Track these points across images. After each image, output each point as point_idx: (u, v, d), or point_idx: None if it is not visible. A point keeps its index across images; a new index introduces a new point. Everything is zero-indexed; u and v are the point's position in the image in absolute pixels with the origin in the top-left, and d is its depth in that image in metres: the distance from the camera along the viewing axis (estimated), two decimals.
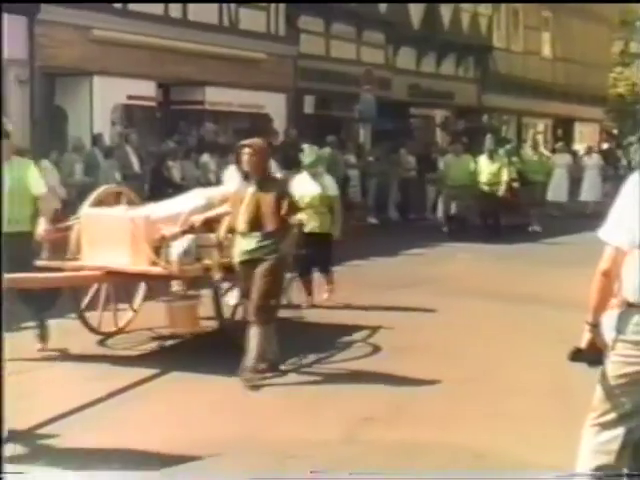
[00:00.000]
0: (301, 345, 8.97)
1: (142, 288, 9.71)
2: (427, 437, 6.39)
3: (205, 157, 18.95)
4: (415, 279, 13.44)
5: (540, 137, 36.21)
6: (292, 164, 20.15)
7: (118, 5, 18.93)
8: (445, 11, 29.60)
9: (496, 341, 9.54)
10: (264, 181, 8.02)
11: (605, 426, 4.37)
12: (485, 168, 19.22)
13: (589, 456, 4.41)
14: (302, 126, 23.27)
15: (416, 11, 28.22)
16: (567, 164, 25.24)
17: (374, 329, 9.82)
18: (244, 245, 7.89)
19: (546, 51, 36.21)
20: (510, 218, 20.36)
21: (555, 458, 5.47)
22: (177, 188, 18.37)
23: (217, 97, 21.61)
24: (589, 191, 25.49)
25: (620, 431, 4.35)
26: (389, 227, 21.14)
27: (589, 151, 27.36)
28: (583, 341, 4.38)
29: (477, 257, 16.23)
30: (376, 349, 9.07)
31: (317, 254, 11.03)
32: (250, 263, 7.83)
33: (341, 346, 9.22)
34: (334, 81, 24.64)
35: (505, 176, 19.16)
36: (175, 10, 20.44)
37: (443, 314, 10.83)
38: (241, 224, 7.92)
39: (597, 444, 4.38)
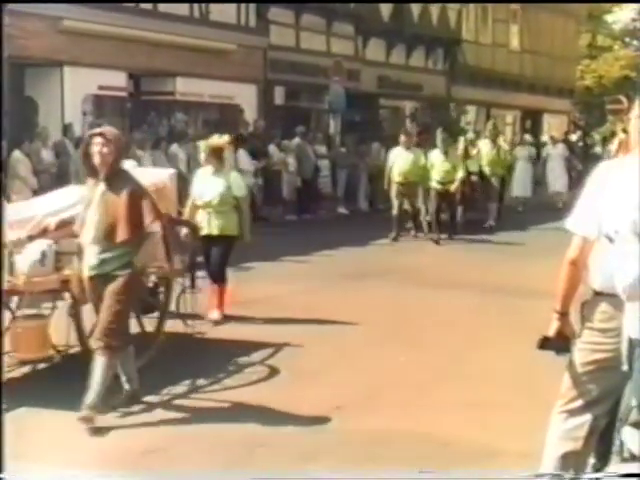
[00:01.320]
0: (184, 369, 7.72)
1: None
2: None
3: (174, 147, 18.98)
4: (382, 269, 13.62)
5: (509, 128, 36.46)
6: (259, 155, 20.38)
7: None
8: (414, 4, 29.68)
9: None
10: (114, 178, 6.57)
11: (572, 413, 4.43)
12: (438, 165, 17.34)
13: (556, 443, 4.48)
14: (272, 117, 23.35)
15: (385, 4, 28.29)
16: (530, 156, 24.38)
17: (278, 347, 8.56)
18: (91, 257, 6.55)
19: (514, 44, 36.37)
20: (468, 213, 19.11)
21: (522, 445, 5.54)
22: None
23: (187, 88, 21.61)
24: (554, 182, 24.59)
25: (587, 418, 4.41)
26: (359, 217, 21.25)
27: (553, 141, 26.12)
28: (551, 329, 4.44)
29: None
30: (273, 372, 7.84)
31: (214, 258, 9.95)
32: (99, 279, 6.52)
33: (232, 370, 7.89)
34: (304, 72, 24.70)
35: (460, 173, 17.52)
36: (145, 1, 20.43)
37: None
38: (87, 231, 6.59)
39: (564, 431, 4.45)
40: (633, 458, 3.68)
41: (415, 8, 29.71)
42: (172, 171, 9.34)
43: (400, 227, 17.09)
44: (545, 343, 4.48)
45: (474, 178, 19.52)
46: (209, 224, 9.88)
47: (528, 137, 27.34)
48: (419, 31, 29.47)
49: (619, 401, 4.15)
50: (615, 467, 3.72)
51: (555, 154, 24.91)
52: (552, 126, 37.28)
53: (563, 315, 4.42)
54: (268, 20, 24.14)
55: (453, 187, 17.31)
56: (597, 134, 35.77)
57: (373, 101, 28.10)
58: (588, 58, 43.06)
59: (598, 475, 4.31)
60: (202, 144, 10.26)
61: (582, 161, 26.33)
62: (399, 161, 17.14)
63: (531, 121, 37.61)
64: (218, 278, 9.93)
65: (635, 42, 45.25)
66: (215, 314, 9.75)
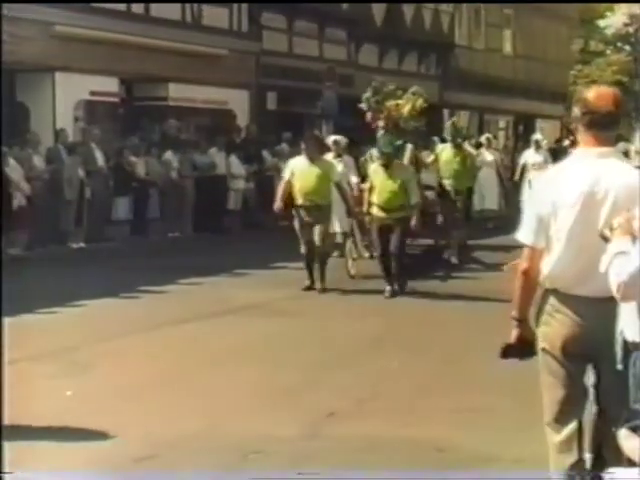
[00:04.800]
0: None
1: None
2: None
3: (168, 154, 19.00)
4: None
5: (502, 133, 36.46)
6: (252, 160, 20.36)
7: None
8: (407, 9, 29.66)
9: None
10: None
11: (560, 422, 4.44)
12: (380, 184, 12.17)
13: (557, 457, 4.47)
14: (265, 122, 23.31)
15: (378, 8, 28.26)
16: (495, 162, 21.36)
17: None
18: None
19: (507, 48, 36.42)
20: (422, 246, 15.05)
21: (516, 451, 5.53)
22: (141, 183, 18.49)
23: (180, 93, 21.56)
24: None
25: (574, 424, 4.43)
26: None
27: (537, 146, 21.96)
28: (512, 336, 4.52)
29: None
30: None
31: None
32: None
33: None
34: (296, 78, 24.66)
35: (415, 198, 12.29)
36: (137, 6, 20.36)
37: None
38: None
39: (559, 444, 4.44)
40: (630, 462, 3.63)
41: (408, 13, 29.70)
42: None
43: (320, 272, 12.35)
44: (508, 351, 4.57)
45: (430, 194, 15.14)
46: None
47: (490, 139, 23.26)
48: (412, 36, 29.45)
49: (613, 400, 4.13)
50: (614, 471, 3.67)
51: (534, 162, 21.06)
52: (545, 131, 37.31)
53: (521, 321, 4.52)
54: (261, 25, 24.11)
55: (413, 219, 12.20)
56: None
57: None
58: (581, 63, 43.08)
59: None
60: None
61: None
62: (299, 176, 12.38)
63: (524, 126, 37.60)
64: None
65: (627, 47, 45.28)
66: None
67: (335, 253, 13.75)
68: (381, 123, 13.53)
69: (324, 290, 12.11)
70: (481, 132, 34.08)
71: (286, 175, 12.65)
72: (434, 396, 7.45)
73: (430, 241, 15.37)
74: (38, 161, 16.32)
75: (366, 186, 12.59)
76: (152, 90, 21.17)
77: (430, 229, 14.50)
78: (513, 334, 4.52)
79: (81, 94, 19.07)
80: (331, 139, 14.99)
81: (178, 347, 9.23)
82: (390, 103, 13.97)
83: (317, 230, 12.14)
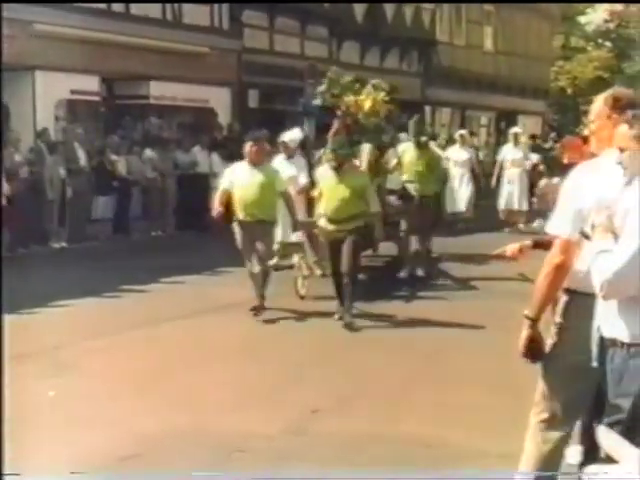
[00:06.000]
0: None
1: None
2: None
3: (148, 152, 18.95)
4: None
5: (484, 130, 36.51)
6: (234, 158, 20.26)
7: None
8: (388, 5, 29.66)
9: None
10: None
11: (551, 423, 4.44)
12: (329, 192, 10.41)
13: (538, 445, 4.48)
14: (246, 120, 23.24)
15: (359, 5, 28.25)
16: (470, 160, 20.28)
17: None
18: None
19: (488, 45, 36.45)
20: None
21: (504, 447, 5.52)
22: (123, 181, 18.43)
23: (161, 91, 21.49)
24: (510, 198, 19.57)
25: (566, 429, 4.47)
26: None
27: (516, 141, 20.32)
28: (522, 337, 4.36)
29: None
30: None
31: None
32: None
33: None
34: (278, 75, 24.60)
35: (374, 206, 10.51)
36: (118, 4, 20.28)
37: None
38: None
39: (545, 438, 4.45)
40: (610, 459, 3.63)
41: (389, 10, 29.70)
42: None
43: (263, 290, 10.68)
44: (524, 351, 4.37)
45: (393, 199, 13.44)
46: None
47: (464, 135, 21.73)
48: (393, 33, 29.45)
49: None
50: (595, 468, 3.67)
51: (515, 159, 19.81)
52: (527, 127, 37.39)
53: (535, 322, 4.35)
54: (242, 23, 24.06)
55: (376, 231, 10.74)
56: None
57: None
58: (562, 59, 43.24)
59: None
60: None
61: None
62: (239, 186, 10.67)
63: (506, 122, 37.66)
64: None
65: (608, 43, 45.47)
66: None
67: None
68: (337, 120, 12.46)
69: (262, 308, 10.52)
70: (463, 128, 34.21)
71: (224, 184, 10.83)
72: None
73: (392, 253, 13.91)
74: (19, 160, 16.23)
75: (316, 193, 10.81)
76: (133, 88, 21.10)
77: (393, 239, 13.18)
78: (525, 335, 4.35)
79: (62, 93, 18.98)
80: (280, 139, 13.65)
81: (161, 346, 9.21)
82: (349, 98, 13.12)
83: (259, 248, 10.51)
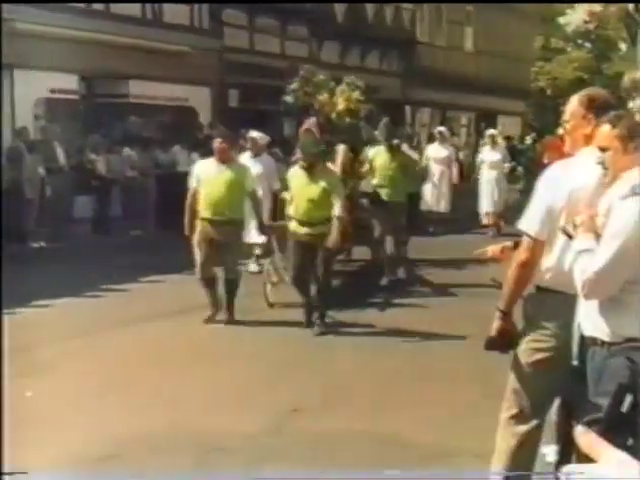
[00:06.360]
0: None
1: None
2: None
3: (126, 150, 18.89)
4: None
5: (464, 130, 36.59)
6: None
7: None
8: (369, 5, 29.71)
9: None
10: None
11: (520, 419, 4.48)
12: (299, 193, 9.97)
13: (509, 442, 4.50)
14: (227, 119, 23.19)
15: (340, 5, 28.27)
16: (449, 158, 19.56)
17: None
18: None
19: (469, 45, 36.56)
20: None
21: (476, 445, 5.53)
22: (103, 181, 18.36)
23: (141, 90, 21.42)
24: (487, 199, 19.24)
25: (535, 422, 4.48)
26: None
27: (493, 142, 19.91)
28: (494, 329, 4.46)
29: None
30: None
31: None
32: None
33: None
34: (258, 75, 24.58)
35: (337, 209, 9.70)
36: (97, 3, 20.21)
37: None
38: None
39: (515, 434, 4.47)
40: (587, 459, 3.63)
41: (370, 10, 29.73)
42: None
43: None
44: (490, 343, 4.48)
45: (365, 203, 13.02)
46: None
47: (444, 132, 20.53)
48: (374, 33, 29.48)
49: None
50: (571, 468, 3.67)
51: (490, 161, 19.56)
52: (507, 127, 37.50)
53: (506, 314, 4.43)
54: (222, 22, 24.03)
55: (329, 237, 9.66)
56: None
57: None
58: (542, 60, 43.35)
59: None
60: None
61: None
62: (206, 184, 10.23)
63: (486, 122, 37.75)
64: None
65: (588, 44, 45.61)
66: None
67: (255, 268, 12.49)
68: (308, 119, 11.90)
69: (232, 322, 10.16)
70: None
71: (193, 182, 10.32)
72: None
73: (366, 257, 13.51)
74: None
75: (287, 195, 10.34)
76: (113, 87, 21.02)
77: (366, 243, 12.88)
78: (495, 326, 4.44)
79: (40, 91, 18.89)
80: (249, 135, 13.32)
81: (140, 346, 9.18)
82: (323, 97, 12.89)
83: (225, 250, 10.05)
